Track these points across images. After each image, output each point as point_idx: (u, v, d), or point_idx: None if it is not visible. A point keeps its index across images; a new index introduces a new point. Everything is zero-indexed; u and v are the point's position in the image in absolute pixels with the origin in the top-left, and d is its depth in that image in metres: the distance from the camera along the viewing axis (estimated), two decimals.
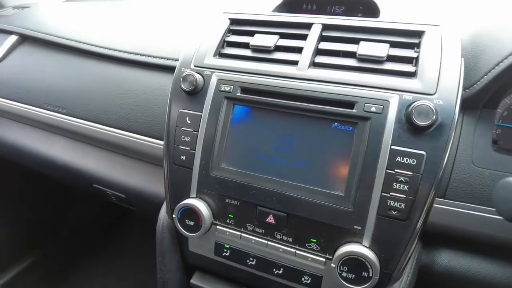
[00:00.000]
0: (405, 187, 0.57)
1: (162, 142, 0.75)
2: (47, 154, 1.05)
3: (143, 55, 0.90)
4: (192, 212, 0.70)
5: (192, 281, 0.77)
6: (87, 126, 0.93)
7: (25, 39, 1.14)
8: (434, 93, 0.58)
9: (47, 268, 1.65)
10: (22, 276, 1.56)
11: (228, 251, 0.71)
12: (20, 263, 1.56)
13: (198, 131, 0.70)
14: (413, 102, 0.57)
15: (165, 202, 0.78)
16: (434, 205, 0.61)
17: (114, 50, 0.94)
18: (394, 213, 0.58)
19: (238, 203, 0.69)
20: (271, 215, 0.66)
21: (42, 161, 1.06)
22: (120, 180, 0.93)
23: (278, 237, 0.67)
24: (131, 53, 0.91)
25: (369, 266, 0.59)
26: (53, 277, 1.66)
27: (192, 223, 0.71)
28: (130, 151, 0.89)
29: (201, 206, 0.70)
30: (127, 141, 0.87)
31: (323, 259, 0.64)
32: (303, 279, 0.66)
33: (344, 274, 0.61)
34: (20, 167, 1.35)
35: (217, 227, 0.71)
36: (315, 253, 0.64)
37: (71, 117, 0.96)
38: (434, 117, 0.55)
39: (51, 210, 1.68)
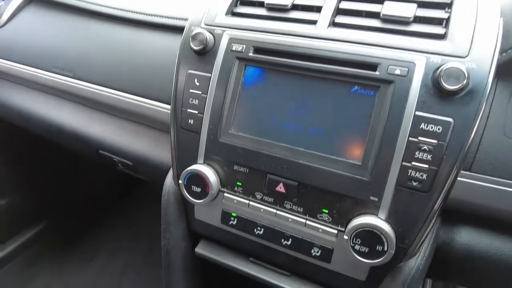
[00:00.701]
0: (428, 157, 0.53)
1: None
2: (54, 119, 1.03)
3: (152, 15, 0.85)
4: (199, 178, 0.67)
5: (196, 250, 0.75)
6: (94, 90, 0.90)
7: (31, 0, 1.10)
8: (466, 56, 0.53)
9: (57, 235, 1.67)
10: (32, 242, 1.58)
11: (235, 219, 0.69)
12: (30, 230, 1.58)
13: (207, 94, 0.66)
14: (442, 65, 0.52)
15: (171, 169, 0.76)
16: (458, 178, 0.56)
17: (122, 10, 0.90)
18: (414, 184, 0.54)
19: (247, 170, 0.65)
20: (281, 184, 0.63)
21: (49, 126, 1.04)
22: (127, 147, 0.90)
23: (288, 206, 0.63)
24: (139, 13, 0.87)
25: (384, 240, 0.55)
26: (62, 244, 1.68)
27: (198, 189, 0.68)
28: (138, 116, 0.86)
29: (209, 172, 0.67)
30: (135, 106, 0.84)
31: (335, 231, 0.60)
32: (312, 251, 0.63)
33: (357, 247, 0.57)
34: (31, 135, 1.34)
35: (225, 194, 0.68)
36: (326, 224, 0.61)
37: (79, 80, 0.93)
38: (465, 81, 0.50)
39: (61, 178, 1.69)
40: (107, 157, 0.97)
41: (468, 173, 0.57)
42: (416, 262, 0.57)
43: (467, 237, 0.62)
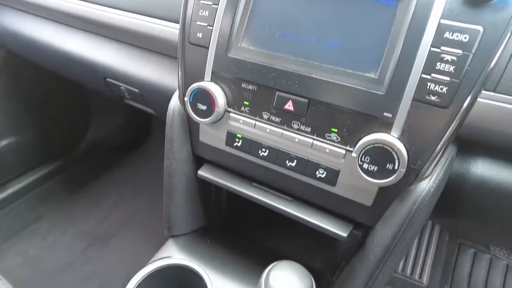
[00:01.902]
0: (451, 68, 0.49)
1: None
2: (62, 47, 1.01)
3: None
4: (205, 95, 0.65)
5: (199, 172, 0.73)
6: (102, 12, 0.87)
7: None
8: None
9: (64, 179, 1.69)
10: (40, 184, 1.60)
11: (240, 141, 0.66)
12: (38, 171, 1.59)
13: (218, 4, 0.63)
14: None
15: (177, 90, 0.73)
16: (480, 99, 0.53)
17: None
18: (433, 98, 0.50)
19: (255, 88, 0.62)
20: (290, 101, 0.60)
21: (57, 55, 1.02)
22: (134, 73, 0.88)
23: (295, 126, 0.61)
24: None
25: (395, 157, 0.52)
26: (69, 188, 1.70)
27: (204, 107, 0.66)
28: (146, 39, 0.83)
29: (215, 89, 0.64)
30: (142, 26, 0.81)
31: (343, 151, 0.57)
32: (317, 172, 0.60)
33: (365, 165, 0.54)
34: (43, 73, 1.34)
35: (231, 114, 0.66)
36: (334, 144, 0.58)
37: (87, 2, 0.90)
38: None
39: (72, 122, 1.69)
40: (114, 86, 0.95)
41: (492, 93, 0.53)
42: (428, 185, 0.54)
43: (483, 168, 0.59)
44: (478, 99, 0.53)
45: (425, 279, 1.42)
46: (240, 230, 0.89)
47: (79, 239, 1.54)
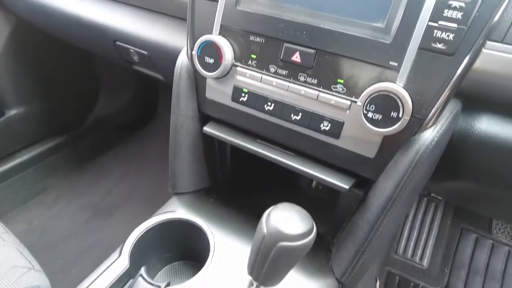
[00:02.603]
0: (459, 15, 0.49)
1: None
2: (74, 12, 1.02)
3: None
4: (213, 48, 0.65)
5: (205, 128, 0.74)
6: None
7: None
8: None
9: (71, 152, 1.71)
10: (47, 155, 1.62)
11: (246, 95, 0.67)
12: (46, 143, 1.61)
13: None
14: None
15: (184, 48, 0.74)
16: (487, 50, 0.53)
17: None
18: (439, 45, 0.51)
19: (263, 40, 0.63)
20: (298, 52, 0.60)
21: (68, 19, 1.03)
22: (143, 35, 0.89)
23: (302, 79, 0.61)
24: None
25: (400, 105, 0.53)
26: (75, 162, 1.72)
27: (211, 60, 0.66)
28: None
29: (223, 42, 0.65)
30: None
31: (348, 102, 0.58)
32: (322, 125, 0.61)
33: (370, 114, 0.55)
34: (54, 43, 1.35)
35: (238, 68, 0.66)
36: (340, 95, 0.59)
37: None
38: None
39: (81, 95, 1.71)
40: (124, 49, 0.96)
41: (500, 44, 0.53)
42: (431, 134, 0.54)
43: (487, 125, 0.59)
44: (486, 50, 0.53)
45: (425, 262, 1.43)
46: (243, 192, 0.90)
47: (83, 210, 1.56)
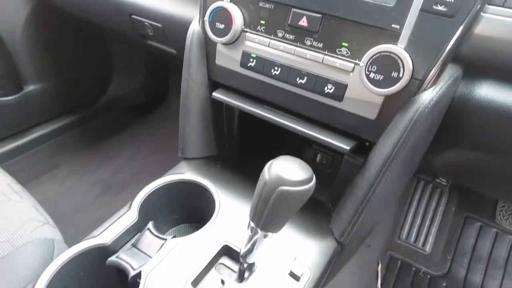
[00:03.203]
0: None
1: None
2: None
3: None
4: (224, 13, 0.68)
5: (214, 93, 0.77)
6: None
7: None
8: None
9: (84, 130, 1.76)
10: (62, 132, 1.67)
11: (254, 60, 0.70)
12: (61, 120, 1.66)
13: None
14: None
15: (196, 17, 0.77)
16: (488, 14, 0.55)
17: None
18: (440, 7, 0.53)
19: (272, 6, 0.66)
20: (305, 17, 0.63)
21: None
22: (158, 8, 0.92)
23: (308, 43, 0.64)
24: None
25: (400, 64, 0.55)
26: (88, 140, 1.77)
27: (222, 26, 0.69)
28: None
29: (234, 8, 0.68)
30: None
31: (352, 65, 0.60)
32: (326, 88, 0.64)
33: (371, 75, 0.57)
34: (73, 22, 1.40)
35: (247, 34, 0.69)
36: (344, 58, 0.61)
37: None
38: None
39: (93, 79, 1.76)
40: (139, 22, 0.99)
41: (501, 8, 0.55)
42: (430, 94, 0.56)
43: (487, 90, 0.61)
44: (486, 14, 0.55)
45: (428, 248, 1.44)
46: (249, 161, 0.92)
47: (93, 186, 1.61)
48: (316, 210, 0.77)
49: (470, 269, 1.40)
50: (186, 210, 0.80)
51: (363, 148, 0.69)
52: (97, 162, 1.73)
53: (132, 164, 1.74)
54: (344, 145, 0.65)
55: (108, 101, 1.85)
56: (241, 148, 0.91)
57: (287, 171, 0.50)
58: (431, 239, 1.46)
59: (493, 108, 0.60)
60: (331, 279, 0.80)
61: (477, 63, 0.59)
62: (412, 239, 1.46)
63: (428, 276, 1.39)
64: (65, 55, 1.57)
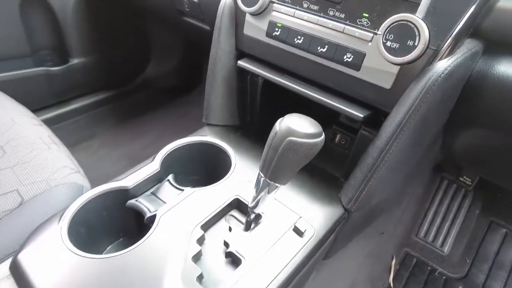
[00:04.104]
0: None
1: None
2: None
3: None
4: None
5: (239, 61, 0.82)
6: None
7: None
8: None
9: (119, 106, 1.86)
10: (99, 106, 1.79)
11: (279, 30, 0.73)
12: (101, 94, 1.78)
13: None
14: None
15: None
16: None
17: None
18: None
19: None
20: None
21: None
22: None
23: (331, 13, 0.67)
24: None
25: (417, 33, 0.57)
26: (121, 115, 1.88)
27: None
28: None
29: None
30: None
31: (371, 35, 0.63)
32: (345, 57, 0.66)
33: (388, 43, 0.59)
34: (115, 8, 1.49)
35: (274, 4, 0.73)
36: (364, 28, 0.63)
37: None
38: None
39: (133, 58, 1.86)
40: None
41: None
42: (445, 64, 0.57)
43: (506, 66, 0.61)
44: None
45: (446, 248, 1.41)
46: (269, 133, 0.96)
47: (122, 159, 1.71)
48: (328, 182, 0.79)
49: (491, 275, 1.36)
50: (205, 172, 0.85)
51: (379, 122, 0.71)
52: (128, 137, 1.83)
53: (159, 142, 1.80)
54: (358, 113, 0.67)
55: (144, 81, 1.95)
56: (261, 121, 0.95)
57: (297, 124, 0.53)
58: (450, 240, 1.42)
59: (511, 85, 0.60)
60: (337, 250, 0.82)
61: (498, 39, 0.60)
62: (430, 238, 1.43)
63: (444, 277, 1.36)
64: (109, 33, 1.67)
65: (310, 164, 0.80)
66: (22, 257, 0.57)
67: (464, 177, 1.42)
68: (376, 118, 0.71)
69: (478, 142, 0.77)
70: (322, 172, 0.81)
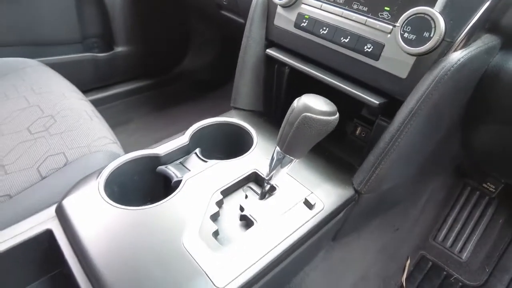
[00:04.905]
0: None
1: None
2: None
3: None
4: None
5: (268, 50, 0.88)
6: None
7: None
8: None
9: (155, 94, 1.98)
10: (137, 93, 1.91)
11: (306, 21, 0.79)
12: (136, 83, 1.90)
13: None
14: None
15: None
16: None
17: None
18: None
19: None
20: None
21: None
22: None
23: (355, 7, 0.72)
24: None
25: (433, 25, 0.61)
26: (156, 103, 1.99)
27: None
28: None
29: None
30: None
31: (390, 27, 0.67)
32: (365, 47, 0.71)
33: (405, 35, 0.64)
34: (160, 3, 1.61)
35: None
36: (384, 21, 0.68)
37: None
38: None
39: (171, 51, 1.98)
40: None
41: None
42: (459, 55, 0.61)
43: None
44: None
45: (465, 255, 1.39)
46: None
47: (154, 144, 1.82)
48: (344, 168, 0.83)
49: (511, 287, 1.33)
50: (228, 150, 0.91)
51: (395, 113, 0.75)
52: (161, 124, 1.94)
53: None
54: (374, 100, 0.72)
55: (180, 73, 2.06)
56: (285, 109, 1.00)
57: (314, 102, 0.58)
58: (470, 247, 1.41)
59: None
60: (347, 234, 0.86)
61: None
62: (449, 243, 1.43)
63: (460, 284, 1.35)
64: (151, 25, 1.80)
65: (328, 151, 0.85)
66: (65, 203, 0.66)
67: (488, 183, 1.41)
68: (393, 108, 0.74)
69: (494, 140, 0.79)
70: (339, 159, 0.86)
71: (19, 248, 0.62)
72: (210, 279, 0.55)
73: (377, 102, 0.71)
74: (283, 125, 0.62)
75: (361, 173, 0.75)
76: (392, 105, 0.72)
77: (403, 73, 0.68)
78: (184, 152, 0.82)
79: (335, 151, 0.89)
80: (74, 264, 0.60)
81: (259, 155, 0.79)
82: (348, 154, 0.92)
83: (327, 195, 0.72)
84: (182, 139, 0.82)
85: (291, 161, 0.65)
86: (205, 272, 0.56)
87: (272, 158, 0.65)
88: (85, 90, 1.67)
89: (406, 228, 1.36)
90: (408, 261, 1.38)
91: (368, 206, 0.81)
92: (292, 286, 0.81)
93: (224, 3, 1.16)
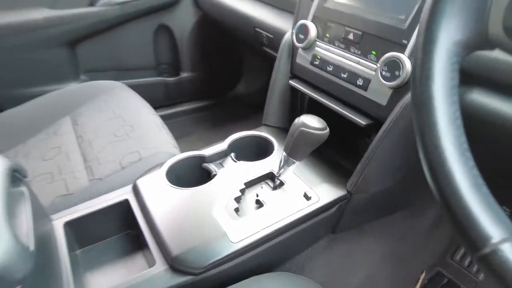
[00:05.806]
0: None
1: None
2: (234, 7, 1.57)
3: None
4: (304, 28, 1.05)
5: (290, 81, 1.14)
6: None
7: None
8: None
9: (211, 114, 2.33)
10: (195, 111, 2.27)
11: (318, 60, 1.04)
12: (196, 103, 2.27)
13: None
14: None
15: (288, 31, 1.16)
16: None
17: None
18: None
19: (334, 25, 1.00)
20: (352, 33, 0.95)
21: (231, 12, 1.59)
22: (271, 23, 1.35)
23: (352, 50, 0.95)
24: None
25: (401, 66, 0.82)
26: (210, 122, 2.33)
27: (302, 36, 1.06)
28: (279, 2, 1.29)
29: (311, 25, 1.04)
30: None
31: (375, 66, 0.89)
32: (357, 81, 0.93)
33: (383, 72, 0.85)
34: (220, 35, 1.97)
35: (317, 42, 1.04)
36: (372, 61, 0.90)
37: None
38: None
39: (227, 77, 2.33)
40: (259, 33, 1.44)
41: None
42: None
43: (477, 95, 0.80)
44: None
45: (482, 276, 1.46)
46: None
47: None
48: (342, 172, 1.05)
49: None
50: (255, 156, 1.17)
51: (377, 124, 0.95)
52: (215, 139, 2.25)
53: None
54: (361, 120, 0.93)
55: (234, 96, 2.39)
56: None
57: (309, 120, 0.83)
58: None
59: (482, 114, 0.79)
60: (345, 228, 1.06)
61: (471, 74, 0.81)
62: (466, 263, 1.50)
63: None
64: (212, 55, 2.16)
65: (332, 157, 1.07)
66: (139, 182, 0.97)
67: (504, 206, 1.48)
68: (378, 127, 0.95)
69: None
70: (340, 165, 1.07)
71: (107, 208, 0.93)
72: (228, 237, 0.81)
73: (364, 123, 0.93)
74: (287, 136, 0.87)
75: (353, 177, 0.96)
76: (377, 125, 0.93)
77: (383, 101, 0.89)
78: (223, 155, 1.10)
79: (337, 158, 1.11)
80: (143, 224, 0.89)
81: (276, 160, 1.04)
82: (349, 162, 1.14)
83: (322, 191, 0.94)
84: (222, 146, 1.10)
85: (293, 162, 0.89)
86: (225, 232, 0.82)
87: (281, 160, 0.90)
88: (156, 107, 2.07)
89: (418, 241, 1.49)
90: (423, 274, 1.49)
91: (360, 205, 1.01)
92: (295, 264, 1.03)
93: (265, 42, 1.45)
